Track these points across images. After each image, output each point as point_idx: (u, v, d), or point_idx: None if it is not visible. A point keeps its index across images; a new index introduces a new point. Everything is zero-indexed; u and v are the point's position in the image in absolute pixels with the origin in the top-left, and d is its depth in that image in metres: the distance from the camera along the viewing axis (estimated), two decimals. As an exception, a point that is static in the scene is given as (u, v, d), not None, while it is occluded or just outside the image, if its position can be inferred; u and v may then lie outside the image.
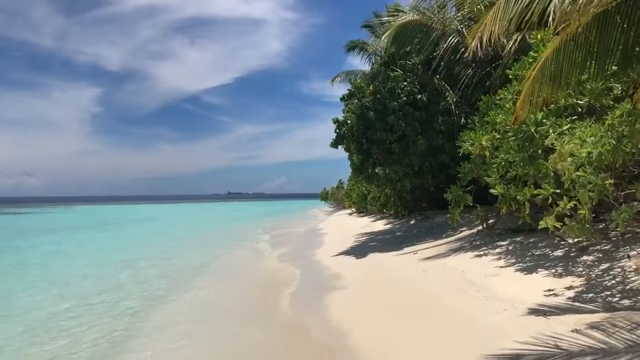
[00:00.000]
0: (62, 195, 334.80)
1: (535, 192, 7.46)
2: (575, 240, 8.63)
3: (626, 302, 5.28)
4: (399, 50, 14.15)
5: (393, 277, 9.23)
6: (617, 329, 4.39)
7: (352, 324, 6.53)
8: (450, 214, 10.55)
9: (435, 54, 13.64)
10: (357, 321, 6.71)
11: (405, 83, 13.25)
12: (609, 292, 5.70)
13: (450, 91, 13.58)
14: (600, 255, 7.25)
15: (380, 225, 20.45)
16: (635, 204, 5.49)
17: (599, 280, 6.24)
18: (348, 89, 14.62)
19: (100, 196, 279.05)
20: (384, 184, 15.68)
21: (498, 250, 9.56)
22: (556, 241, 8.88)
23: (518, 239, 10.11)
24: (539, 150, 8.05)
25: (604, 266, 6.74)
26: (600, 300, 5.49)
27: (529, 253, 8.71)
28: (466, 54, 12.69)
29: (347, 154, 14.19)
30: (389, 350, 5.32)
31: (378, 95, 13.14)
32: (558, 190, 7.30)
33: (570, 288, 6.23)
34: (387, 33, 12.58)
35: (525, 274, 7.44)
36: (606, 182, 5.71)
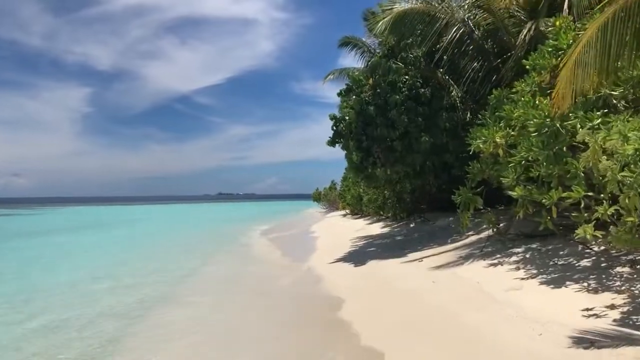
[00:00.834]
0: (53, 195, 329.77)
1: (564, 194, 6.60)
2: (602, 248, 7.80)
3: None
4: (399, 42, 13.26)
5: (399, 288, 8.32)
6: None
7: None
8: (460, 218, 9.68)
9: (438, 45, 12.76)
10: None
11: (407, 77, 12.35)
12: (664, 314, 4.83)
13: (455, 86, 12.69)
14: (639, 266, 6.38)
15: (377, 228, 19.54)
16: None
17: (647, 298, 5.37)
18: (346, 84, 13.68)
19: (91, 197, 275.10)
20: (383, 185, 14.82)
21: (514, 258, 8.67)
22: (579, 249, 8.04)
23: (534, 245, 9.25)
24: (564, 148, 7.23)
25: (647, 280, 5.88)
26: (657, 325, 4.62)
27: (551, 262, 7.83)
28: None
29: (344, 152, 13.26)
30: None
31: (378, 90, 12.22)
32: (591, 193, 6.47)
33: (612, 307, 5.35)
34: (385, 19, 11.64)
35: (553, 288, 6.55)
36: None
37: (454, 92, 12.60)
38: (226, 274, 12.80)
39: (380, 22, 12.00)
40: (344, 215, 36.17)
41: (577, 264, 7.40)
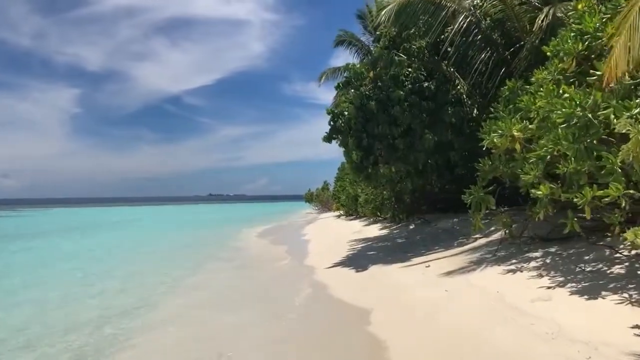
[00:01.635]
0: (41, 197, 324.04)
1: (600, 193, 5.84)
2: (634, 252, 7.05)
3: None
4: (401, 33, 12.48)
5: (408, 298, 7.49)
6: None
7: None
8: (472, 220, 8.90)
9: (443, 36, 12.01)
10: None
11: (410, 69, 11.56)
12: None
13: (461, 79, 11.91)
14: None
15: (374, 230, 18.72)
16: None
17: None
18: (345, 77, 12.85)
19: (80, 198, 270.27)
20: (383, 185, 14.02)
21: (533, 264, 7.89)
22: (607, 253, 7.28)
23: (552, 249, 8.49)
24: (595, 141, 6.47)
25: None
26: None
27: (577, 269, 7.06)
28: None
29: (343, 150, 12.39)
30: None
31: (379, 83, 11.41)
32: (632, 191, 5.71)
33: (668, 324, 4.58)
34: (388, 7, 10.85)
35: (587, 299, 5.76)
36: None
37: (459, 85, 11.82)
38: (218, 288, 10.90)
39: (384, 11, 11.21)
40: (338, 217, 35.40)
41: (608, 271, 6.63)
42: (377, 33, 13.76)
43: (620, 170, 5.81)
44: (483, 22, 11.45)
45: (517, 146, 7.97)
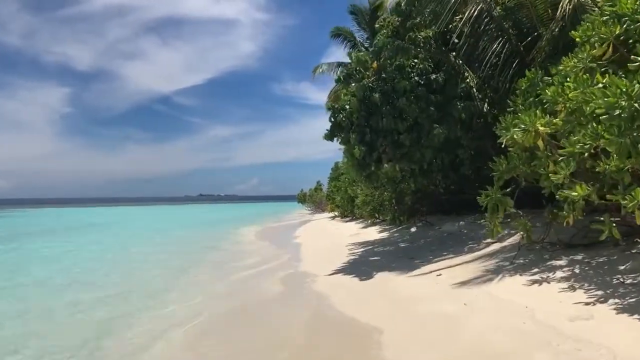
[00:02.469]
0: (31, 197, 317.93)
1: (655, 194, 5.03)
2: (678, 262, 6.28)
3: None
4: (405, 23, 11.67)
5: (422, 313, 6.62)
6: None
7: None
8: (489, 223, 8.08)
9: (451, 26, 11.20)
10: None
11: (416, 60, 10.73)
12: None
13: (470, 72, 11.10)
14: None
15: (373, 232, 17.87)
16: None
17: None
18: (346, 70, 11.99)
19: (70, 198, 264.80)
20: (384, 185, 13.19)
21: (560, 273, 7.08)
22: (645, 262, 6.49)
23: (578, 257, 7.70)
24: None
25: None
26: None
27: (614, 280, 6.25)
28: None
29: (344, 148, 11.48)
30: None
31: (383, 74, 10.57)
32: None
33: None
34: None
35: (638, 319, 4.95)
36: None
37: (469, 78, 11.00)
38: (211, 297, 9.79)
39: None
40: (333, 218, 34.60)
41: (653, 284, 5.84)
42: (377, 25, 12.92)
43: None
44: (495, 11, 10.65)
45: (540, 143, 7.18)
